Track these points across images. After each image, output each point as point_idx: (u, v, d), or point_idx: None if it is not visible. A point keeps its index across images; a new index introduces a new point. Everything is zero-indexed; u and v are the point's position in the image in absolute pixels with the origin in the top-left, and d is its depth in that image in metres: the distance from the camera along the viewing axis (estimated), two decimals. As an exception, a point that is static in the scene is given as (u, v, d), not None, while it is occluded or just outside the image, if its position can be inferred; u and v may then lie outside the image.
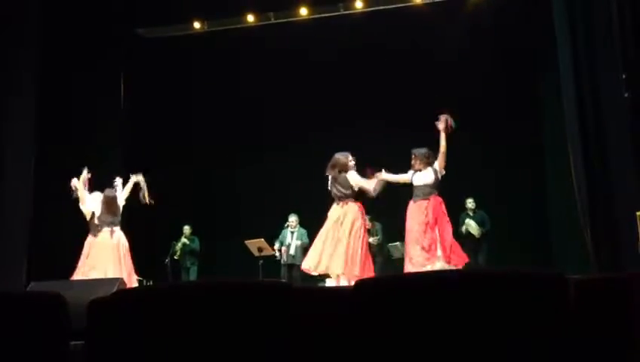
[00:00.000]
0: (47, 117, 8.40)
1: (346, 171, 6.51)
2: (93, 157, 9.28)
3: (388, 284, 1.75)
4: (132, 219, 9.91)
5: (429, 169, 6.42)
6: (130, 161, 10.12)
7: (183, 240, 10.04)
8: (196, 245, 10.14)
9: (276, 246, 9.21)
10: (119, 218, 7.36)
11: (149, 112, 10.45)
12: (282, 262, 9.30)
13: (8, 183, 7.72)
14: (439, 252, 6.15)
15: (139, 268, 9.12)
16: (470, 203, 9.13)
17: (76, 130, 9.15)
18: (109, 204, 7.28)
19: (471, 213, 9.13)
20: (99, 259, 7.03)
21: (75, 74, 9.05)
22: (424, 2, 9.56)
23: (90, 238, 7.28)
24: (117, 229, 7.28)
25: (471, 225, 8.88)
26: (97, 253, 7.09)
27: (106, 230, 7.22)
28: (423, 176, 6.43)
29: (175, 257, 9.97)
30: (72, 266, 7.13)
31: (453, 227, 6.52)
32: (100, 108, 9.59)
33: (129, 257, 7.31)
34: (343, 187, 6.52)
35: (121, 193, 7.54)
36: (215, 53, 10.38)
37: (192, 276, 10.05)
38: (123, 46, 10.00)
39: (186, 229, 10.17)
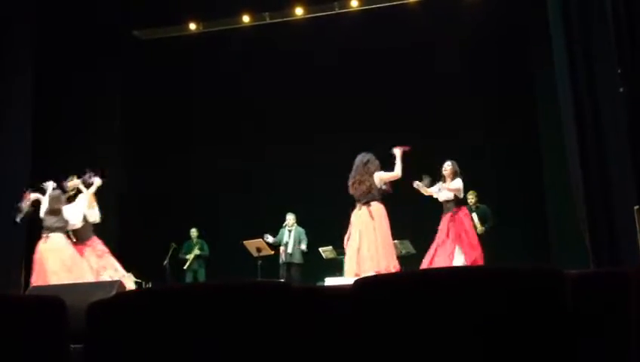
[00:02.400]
0: (44, 120, 8.41)
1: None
2: (92, 160, 9.30)
3: (388, 282, 1.75)
4: (129, 221, 9.93)
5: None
6: (128, 163, 10.14)
7: (196, 251, 10.06)
8: (206, 251, 10.18)
9: (270, 239, 9.17)
10: (61, 222, 6.80)
11: (147, 114, 10.45)
12: (281, 261, 9.30)
13: (5, 187, 7.70)
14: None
15: (138, 269, 9.13)
16: (470, 198, 8.98)
17: (74, 133, 9.16)
18: (50, 204, 6.81)
19: (473, 208, 9.01)
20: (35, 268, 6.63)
21: (72, 75, 9.06)
22: (418, 0, 9.56)
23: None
24: (52, 235, 6.71)
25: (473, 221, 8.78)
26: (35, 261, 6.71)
27: (43, 236, 6.73)
28: None
29: (184, 267, 10.03)
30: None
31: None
32: (98, 110, 9.60)
33: (60, 263, 6.62)
34: None
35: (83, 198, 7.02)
36: (211, 53, 10.38)
37: (201, 278, 10.08)
38: (120, 48, 10.00)
39: (193, 232, 10.22)
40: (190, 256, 10.06)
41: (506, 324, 1.55)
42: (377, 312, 1.62)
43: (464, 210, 6.89)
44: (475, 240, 6.75)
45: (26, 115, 8.10)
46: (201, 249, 10.13)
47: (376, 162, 6.38)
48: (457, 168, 6.95)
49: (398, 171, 6.34)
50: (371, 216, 6.25)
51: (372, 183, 6.29)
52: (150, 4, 9.60)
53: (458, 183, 6.84)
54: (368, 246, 6.16)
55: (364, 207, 6.29)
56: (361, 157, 6.40)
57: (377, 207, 6.35)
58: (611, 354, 1.62)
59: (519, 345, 1.54)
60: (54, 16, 8.60)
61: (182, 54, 10.41)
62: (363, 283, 1.73)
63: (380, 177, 6.35)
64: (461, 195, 6.88)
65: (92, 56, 9.36)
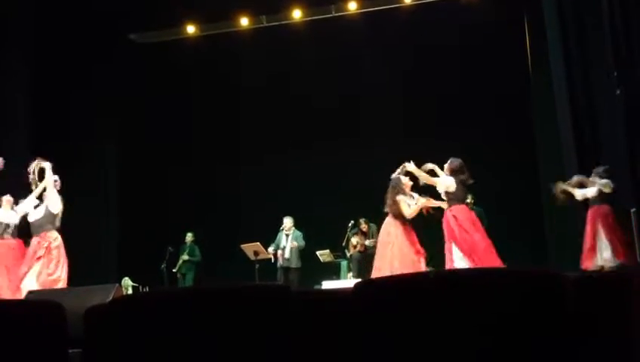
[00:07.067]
0: (42, 121, 8.43)
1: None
2: (90, 162, 9.31)
3: (387, 285, 1.75)
4: (127, 225, 9.92)
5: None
6: (126, 167, 10.13)
7: (184, 256, 9.99)
8: (197, 256, 10.08)
9: (270, 249, 9.16)
10: None
11: (145, 117, 10.44)
12: (278, 265, 9.27)
13: (2, 188, 7.68)
14: None
15: (135, 274, 9.12)
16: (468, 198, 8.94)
17: (72, 134, 9.16)
18: None
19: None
20: None
21: (70, 77, 9.07)
22: (414, 3, 9.58)
23: None
24: None
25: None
26: None
27: None
28: None
29: (174, 270, 9.98)
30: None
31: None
32: (97, 112, 9.60)
33: None
34: None
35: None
36: (210, 56, 10.37)
37: (188, 283, 10.01)
38: (118, 51, 10.00)
39: (189, 236, 10.17)
40: (178, 264, 10.02)
41: (506, 327, 1.55)
42: (378, 315, 1.62)
43: (453, 208, 6.68)
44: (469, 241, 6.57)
45: (24, 116, 8.11)
46: (190, 254, 10.04)
47: (402, 186, 6.70)
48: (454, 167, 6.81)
49: (409, 213, 6.60)
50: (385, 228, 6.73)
51: (394, 203, 6.66)
52: (147, 8, 9.58)
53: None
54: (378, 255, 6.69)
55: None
56: (392, 180, 6.74)
57: (388, 221, 6.66)
58: (611, 356, 1.62)
59: (520, 347, 1.54)
60: (52, 21, 8.61)
61: (180, 57, 10.39)
62: (363, 287, 1.72)
63: (401, 200, 6.63)
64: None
65: (89, 59, 9.36)
